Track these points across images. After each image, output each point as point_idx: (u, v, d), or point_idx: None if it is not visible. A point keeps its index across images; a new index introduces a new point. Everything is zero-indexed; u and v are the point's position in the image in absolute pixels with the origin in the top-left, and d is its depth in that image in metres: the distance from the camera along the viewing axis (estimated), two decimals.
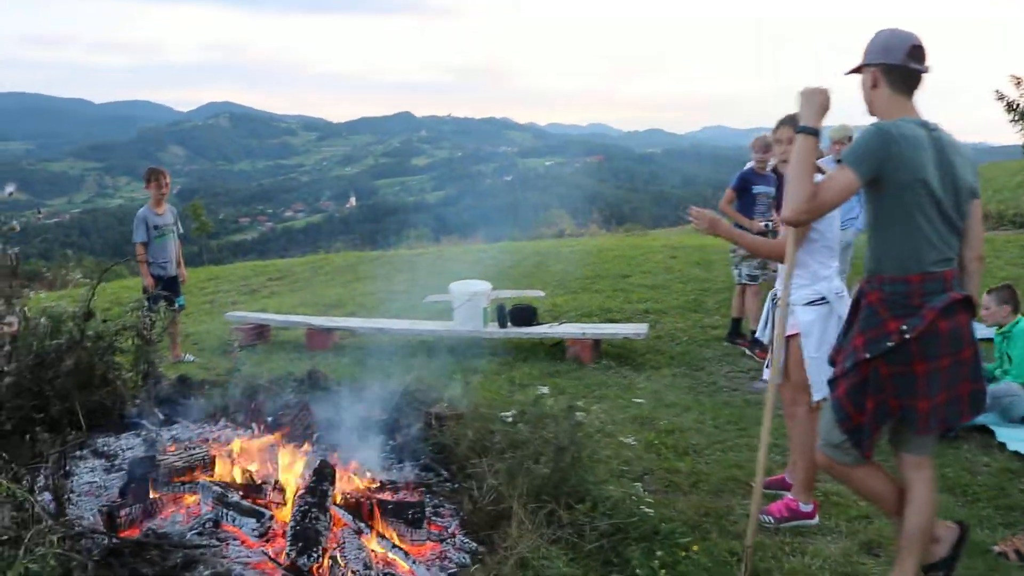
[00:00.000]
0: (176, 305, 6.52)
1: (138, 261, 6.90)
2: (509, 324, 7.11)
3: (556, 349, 7.25)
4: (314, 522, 3.25)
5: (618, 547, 3.50)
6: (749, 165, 7.24)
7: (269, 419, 4.85)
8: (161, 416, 5.00)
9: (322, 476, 3.52)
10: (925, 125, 2.98)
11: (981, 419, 5.13)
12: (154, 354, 5.15)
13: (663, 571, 3.28)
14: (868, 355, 2.94)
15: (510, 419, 4.66)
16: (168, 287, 6.56)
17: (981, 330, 7.85)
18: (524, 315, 7.16)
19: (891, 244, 2.97)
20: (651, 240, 16.56)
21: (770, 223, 6.99)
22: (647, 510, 3.66)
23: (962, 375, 2.96)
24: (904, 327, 2.88)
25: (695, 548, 3.45)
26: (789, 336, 4.12)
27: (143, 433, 4.62)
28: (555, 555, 3.27)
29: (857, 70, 3.14)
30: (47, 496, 3.29)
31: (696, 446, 5.00)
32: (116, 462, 4.21)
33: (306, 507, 3.31)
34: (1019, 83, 21.64)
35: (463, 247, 15.72)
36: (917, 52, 3.01)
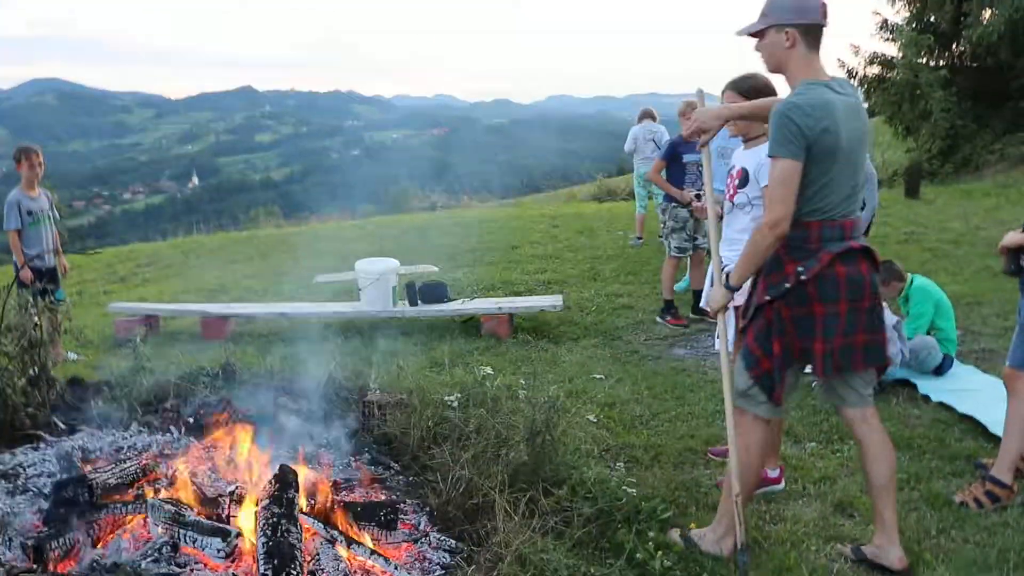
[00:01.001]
0: (56, 299, 5.81)
1: (12, 251, 6.11)
2: (420, 302, 6.81)
3: (468, 325, 7.02)
4: (286, 535, 2.92)
5: (605, 531, 3.36)
6: (678, 134, 7.21)
7: (190, 420, 4.40)
8: (62, 425, 4.44)
9: (286, 483, 3.17)
10: (831, 87, 3.01)
11: (903, 372, 5.32)
12: (45, 355, 4.57)
13: (659, 553, 3.17)
14: (768, 297, 3.04)
15: (455, 403, 4.42)
16: (47, 279, 5.85)
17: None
18: (435, 292, 6.88)
19: (812, 198, 2.99)
20: (527, 210, 16.55)
21: (700, 193, 6.97)
22: (629, 490, 3.53)
23: (859, 323, 3.04)
24: (800, 268, 2.98)
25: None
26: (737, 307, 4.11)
27: (44, 446, 4.08)
28: (551, 547, 3.08)
29: (761, 31, 3.09)
30: None
31: (641, 418, 4.92)
32: (19, 482, 3.69)
33: (274, 519, 2.97)
34: (857, 51, 22.96)
35: (336, 224, 15.12)
36: (826, 9, 3.07)
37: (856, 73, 22.98)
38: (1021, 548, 3.33)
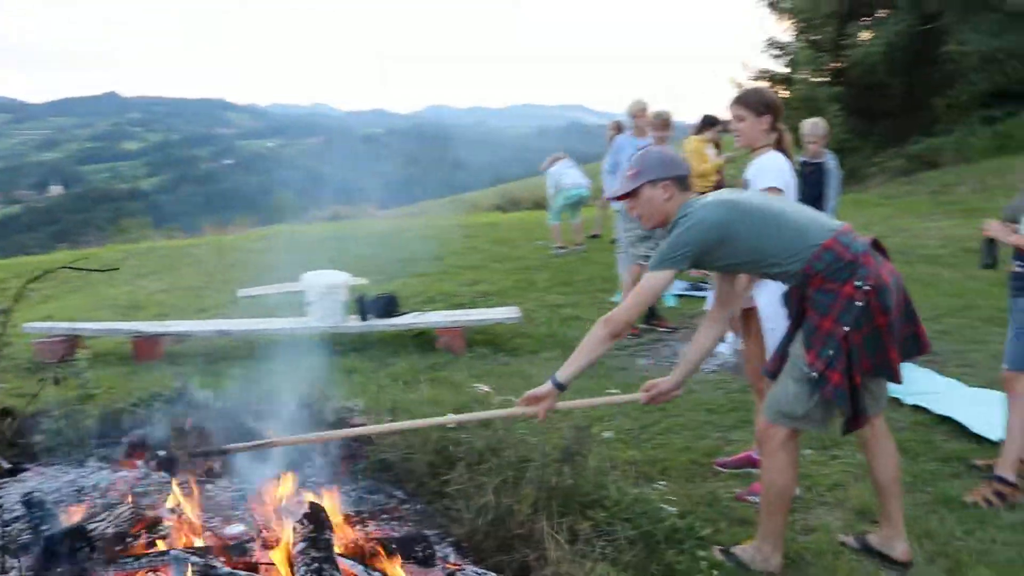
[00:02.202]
0: None
1: None
2: (370, 316, 6.48)
3: (421, 340, 6.74)
4: None
5: (651, 553, 3.20)
6: (649, 141, 7.17)
7: (159, 453, 3.97)
8: (3, 464, 3.93)
9: (319, 522, 2.86)
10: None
11: None
12: None
13: (715, 572, 3.04)
14: (847, 328, 2.93)
15: (452, 424, 4.18)
16: None
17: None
18: (386, 305, 6.57)
19: (789, 250, 3.02)
20: (435, 220, 16.29)
21: None
22: (668, 508, 3.39)
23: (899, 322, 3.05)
24: (857, 283, 2.93)
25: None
26: (747, 309, 4.09)
27: None
28: (612, 573, 2.90)
29: (635, 191, 3.26)
30: None
31: (631, 431, 4.80)
32: None
33: (315, 564, 2.66)
34: (746, 67, 23.97)
35: (240, 236, 14.42)
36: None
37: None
38: None
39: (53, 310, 8.01)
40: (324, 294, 6.15)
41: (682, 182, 3.27)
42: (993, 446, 4.48)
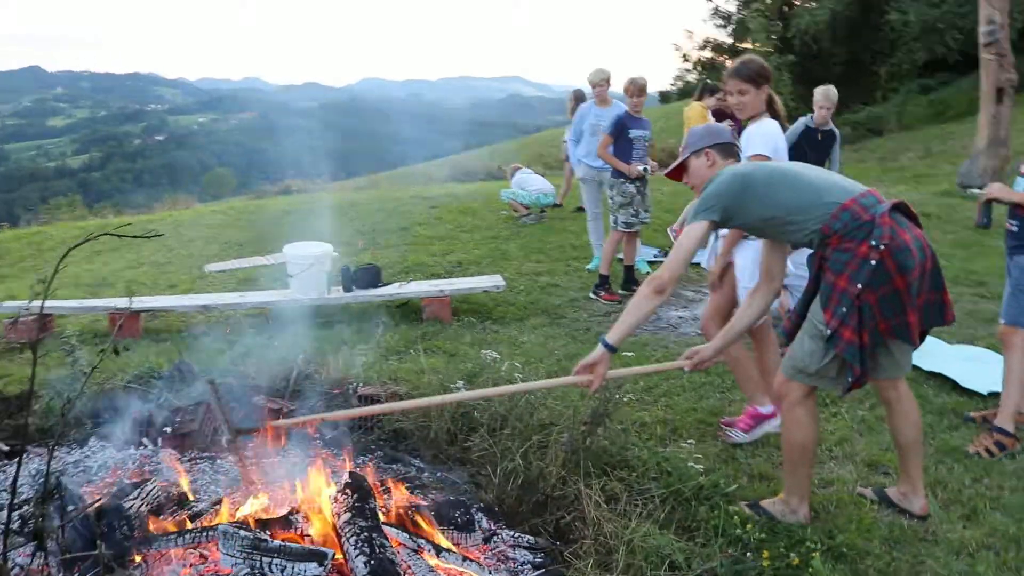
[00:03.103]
0: None
1: None
2: (354, 288, 6.38)
3: (407, 310, 6.68)
4: (381, 551, 2.59)
5: (680, 509, 3.24)
6: (624, 109, 7.14)
7: (166, 430, 3.89)
8: (4, 447, 3.80)
9: (362, 491, 2.83)
10: None
11: None
12: None
13: (749, 526, 3.09)
14: (860, 285, 2.98)
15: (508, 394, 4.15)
16: None
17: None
18: (369, 276, 6.47)
19: (807, 209, 3.07)
20: (392, 192, 16.06)
21: (647, 167, 6.95)
22: (696, 466, 3.43)
23: (921, 287, 3.06)
24: (873, 242, 2.96)
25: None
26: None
27: None
28: (657, 532, 2.92)
29: (683, 164, 3.59)
30: None
31: (637, 395, 4.83)
32: None
33: (364, 534, 2.63)
34: (691, 36, 24.12)
35: (194, 211, 14.05)
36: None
37: (690, 57, 24.13)
38: None
39: (14, 289, 7.70)
40: (308, 266, 6.03)
41: (724, 149, 3.54)
42: (982, 399, 4.65)
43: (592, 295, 7.18)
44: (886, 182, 13.68)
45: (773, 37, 20.29)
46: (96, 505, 2.67)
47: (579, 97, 12.03)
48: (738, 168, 3.25)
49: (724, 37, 24.39)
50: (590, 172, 8.01)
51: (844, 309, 3.03)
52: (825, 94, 7.05)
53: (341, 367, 4.92)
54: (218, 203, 14.81)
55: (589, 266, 8.25)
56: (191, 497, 3.10)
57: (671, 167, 3.67)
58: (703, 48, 24.30)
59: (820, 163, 6.21)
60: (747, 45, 23.32)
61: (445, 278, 7.57)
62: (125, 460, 3.69)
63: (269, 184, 17.59)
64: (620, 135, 6.93)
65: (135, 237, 2.36)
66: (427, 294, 6.40)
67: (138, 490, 2.92)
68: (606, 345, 3.15)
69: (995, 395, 4.55)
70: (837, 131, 7.02)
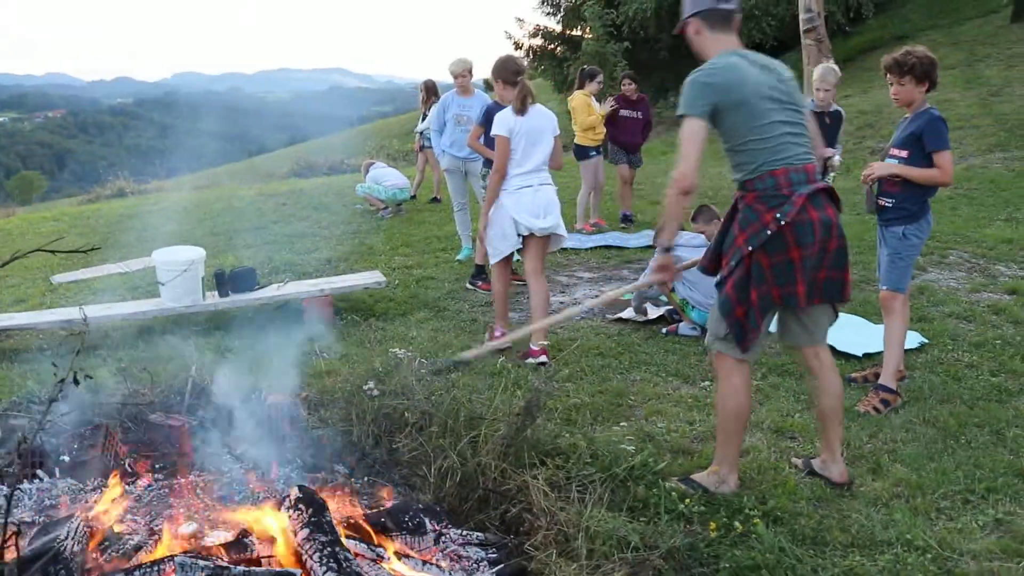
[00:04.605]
0: None
1: None
2: (230, 292, 6.07)
3: (286, 311, 6.43)
4: (347, 564, 2.51)
5: (622, 492, 3.31)
6: (494, 99, 7.11)
7: (64, 459, 3.57)
8: None
9: (317, 506, 2.72)
10: (738, 53, 3.35)
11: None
12: None
13: (688, 500, 3.21)
14: (750, 247, 3.24)
15: (376, 392, 4.08)
16: None
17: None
18: (245, 279, 6.16)
19: (752, 154, 3.27)
20: (234, 190, 15.38)
21: None
22: (628, 448, 3.51)
23: (822, 263, 3.31)
24: (778, 215, 3.20)
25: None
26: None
27: None
28: (606, 516, 2.97)
29: (683, 29, 3.48)
30: None
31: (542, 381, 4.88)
32: None
33: (327, 549, 2.54)
34: (522, 24, 24.47)
35: (22, 217, 12.88)
36: None
37: (521, 45, 24.45)
38: (934, 439, 3.90)
39: None
40: (181, 271, 5.67)
41: (709, 16, 3.37)
42: (859, 361, 5.03)
43: (469, 286, 7.18)
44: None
45: (608, 24, 20.84)
46: (18, 556, 2.41)
47: (430, 87, 11.97)
48: (723, 60, 3.29)
49: (554, 24, 24.85)
50: (455, 163, 7.99)
51: (733, 263, 3.30)
52: (822, 76, 6.33)
53: (235, 378, 4.68)
54: (48, 209, 13.63)
55: (459, 256, 8.24)
56: (118, 529, 2.86)
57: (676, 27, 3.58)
58: (535, 36, 24.64)
59: (831, 146, 6.14)
60: (577, 33, 23.93)
61: (319, 277, 7.35)
62: (20, 498, 3.35)
63: (98, 187, 16.33)
64: (491, 125, 6.95)
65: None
66: (308, 294, 6.19)
67: (64, 529, 2.66)
68: (665, 249, 3.38)
69: (869, 356, 4.93)
70: (843, 111, 6.77)
